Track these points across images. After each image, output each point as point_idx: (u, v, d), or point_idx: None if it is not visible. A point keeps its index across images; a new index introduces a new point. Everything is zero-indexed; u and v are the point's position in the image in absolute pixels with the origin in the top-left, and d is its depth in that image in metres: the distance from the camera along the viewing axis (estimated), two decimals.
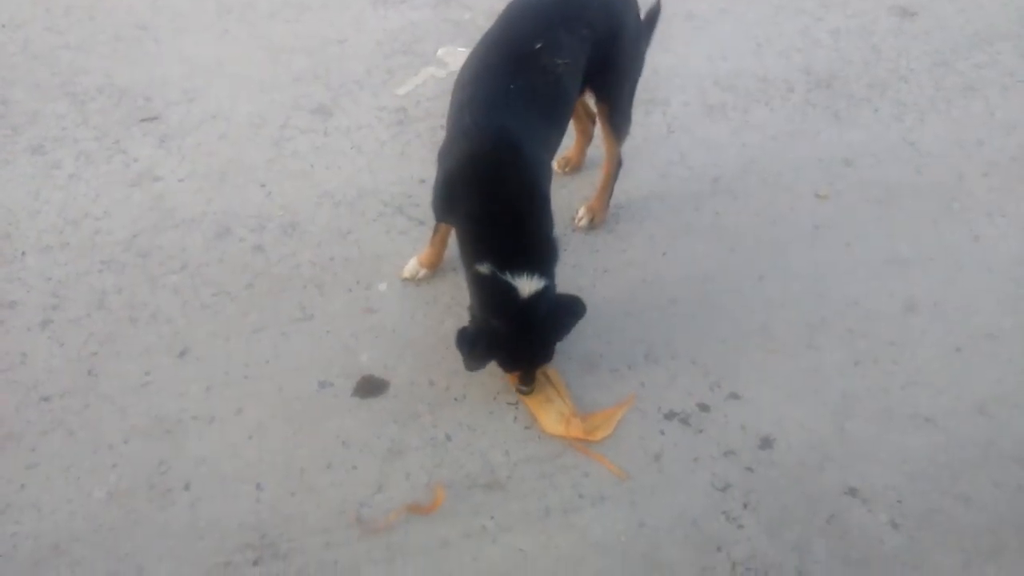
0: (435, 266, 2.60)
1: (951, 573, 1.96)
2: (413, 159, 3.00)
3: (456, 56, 2.52)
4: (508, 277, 2.08)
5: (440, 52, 3.45)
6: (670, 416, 2.26)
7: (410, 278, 2.60)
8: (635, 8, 2.47)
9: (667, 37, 3.51)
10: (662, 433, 2.23)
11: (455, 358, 2.40)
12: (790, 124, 3.12)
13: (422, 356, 2.42)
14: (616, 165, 2.65)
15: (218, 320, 2.52)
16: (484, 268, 2.11)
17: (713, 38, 3.50)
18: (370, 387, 2.36)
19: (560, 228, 2.30)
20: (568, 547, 2.02)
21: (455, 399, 2.32)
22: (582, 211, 2.74)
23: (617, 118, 2.53)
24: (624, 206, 2.83)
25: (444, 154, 2.27)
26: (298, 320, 2.52)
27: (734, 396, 2.30)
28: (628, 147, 3.04)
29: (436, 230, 2.51)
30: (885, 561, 1.98)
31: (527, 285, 2.09)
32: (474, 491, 2.13)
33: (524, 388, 2.26)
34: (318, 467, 2.18)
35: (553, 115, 2.27)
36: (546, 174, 2.22)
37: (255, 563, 2.00)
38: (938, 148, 3.00)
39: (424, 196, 2.85)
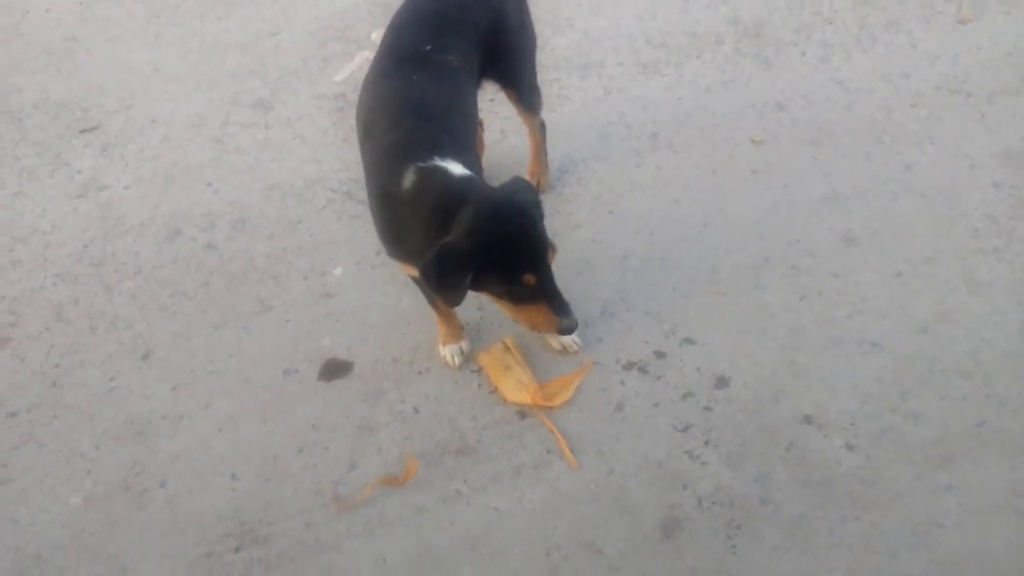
0: (460, 330, 2.38)
1: (905, 485, 2.05)
2: (356, 144, 3.02)
3: None
4: (436, 161, 1.93)
5: (374, 36, 3.46)
6: (628, 366, 2.33)
7: (452, 361, 2.36)
8: None
9: (597, 0, 3.56)
10: (622, 383, 2.30)
11: (416, 334, 2.46)
12: (722, 75, 3.18)
13: (383, 334, 2.46)
14: (540, 129, 2.70)
15: (178, 320, 2.54)
16: (409, 174, 1.94)
17: None
18: (335, 370, 2.40)
19: None
20: (541, 501, 2.09)
21: (419, 372, 2.37)
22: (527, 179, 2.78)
23: (527, 96, 2.57)
24: (568, 170, 2.88)
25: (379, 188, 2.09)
26: (257, 312, 2.55)
27: (688, 341, 2.38)
28: (567, 112, 3.11)
29: (431, 300, 2.28)
30: (843, 481, 2.07)
31: (456, 168, 1.95)
32: (446, 458, 2.19)
33: (573, 318, 1.93)
34: (290, 452, 2.23)
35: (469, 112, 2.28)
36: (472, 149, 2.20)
37: (237, 550, 2.04)
38: (866, 84, 3.08)
39: None
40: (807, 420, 2.19)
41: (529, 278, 1.86)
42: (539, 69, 2.65)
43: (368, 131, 2.17)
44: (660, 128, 3.00)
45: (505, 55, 2.42)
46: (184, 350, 2.47)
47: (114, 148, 3.14)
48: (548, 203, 2.75)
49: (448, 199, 1.91)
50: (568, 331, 1.98)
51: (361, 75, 3.30)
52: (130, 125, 3.23)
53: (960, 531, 1.96)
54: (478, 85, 2.40)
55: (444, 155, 1.98)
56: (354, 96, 3.23)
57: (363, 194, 2.84)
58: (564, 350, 2.36)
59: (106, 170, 3.05)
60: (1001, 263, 2.48)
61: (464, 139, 2.15)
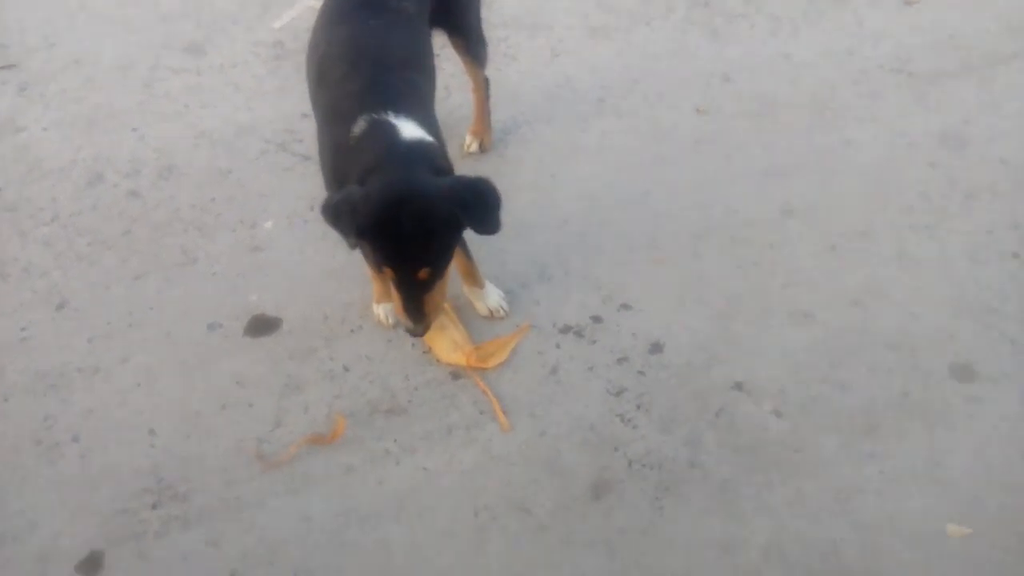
0: None
1: (831, 452, 2.08)
2: (293, 94, 2.92)
3: None
4: (388, 116, 1.88)
5: None
6: (565, 330, 2.31)
7: (386, 320, 2.30)
8: None
9: None
10: (558, 347, 2.28)
11: (349, 291, 2.39)
12: (671, 43, 3.16)
13: (314, 291, 2.39)
14: (485, 86, 2.66)
15: (96, 270, 2.43)
16: (361, 123, 1.89)
17: None
18: (262, 326, 2.32)
19: (451, 159, 2.28)
20: (472, 461, 2.06)
21: (351, 331, 2.31)
22: (469, 138, 2.73)
23: (475, 46, 2.53)
24: (512, 131, 2.83)
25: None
26: (181, 264, 2.44)
27: (625, 307, 2.36)
28: (513, 72, 3.05)
29: (366, 257, 2.17)
30: (770, 447, 2.09)
31: (409, 129, 1.89)
32: (376, 417, 2.14)
33: (413, 325, 1.94)
34: (213, 408, 2.15)
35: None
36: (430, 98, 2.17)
37: (154, 507, 1.97)
38: (811, 60, 3.10)
39: (307, 131, 2.79)
40: (738, 387, 2.20)
41: (387, 271, 1.88)
42: (487, 27, 2.60)
43: (322, 77, 2.08)
44: (607, 94, 2.97)
45: (454, 3, 2.37)
46: (102, 301, 2.36)
47: (33, 88, 2.98)
48: (491, 164, 2.72)
49: (385, 159, 1.85)
50: (409, 334, 2.00)
51: (302, 23, 3.20)
52: (51, 64, 3.06)
53: (880, 497, 1.99)
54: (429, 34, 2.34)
55: (399, 111, 1.92)
56: (293, 44, 3.13)
57: (298, 146, 2.77)
58: (491, 315, 2.32)
59: (24, 111, 2.89)
60: (932, 240, 2.52)
61: (422, 92, 2.11)
